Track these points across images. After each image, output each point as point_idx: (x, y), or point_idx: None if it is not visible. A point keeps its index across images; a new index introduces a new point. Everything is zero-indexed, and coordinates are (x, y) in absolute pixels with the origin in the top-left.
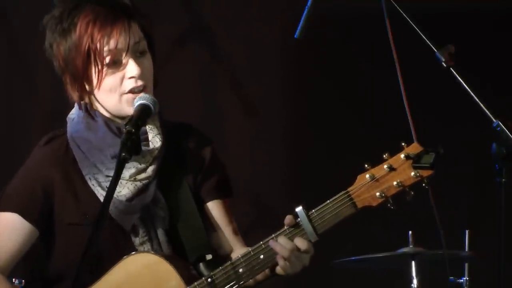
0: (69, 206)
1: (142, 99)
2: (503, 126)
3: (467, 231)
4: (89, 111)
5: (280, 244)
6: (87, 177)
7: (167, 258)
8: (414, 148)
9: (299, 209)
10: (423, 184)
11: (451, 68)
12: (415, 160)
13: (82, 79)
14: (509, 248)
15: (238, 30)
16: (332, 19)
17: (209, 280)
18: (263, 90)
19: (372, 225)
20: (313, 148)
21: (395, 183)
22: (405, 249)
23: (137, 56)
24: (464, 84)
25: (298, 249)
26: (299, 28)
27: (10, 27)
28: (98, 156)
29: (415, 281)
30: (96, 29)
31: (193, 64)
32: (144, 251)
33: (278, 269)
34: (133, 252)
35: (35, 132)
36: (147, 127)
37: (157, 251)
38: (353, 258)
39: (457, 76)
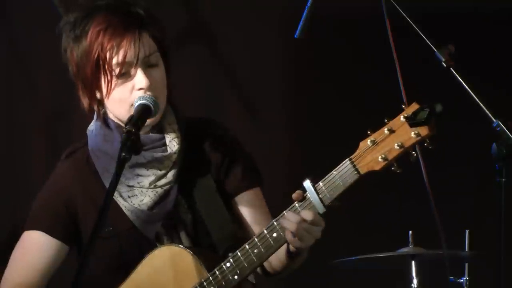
0: (92, 219)
1: (142, 99)
2: (503, 126)
3: (467, 231)
4: (106, 120)
5: (287, 218)
6: None
7: (190, 248)
8: (412, 107)
9: (306, 182)
10: (425, 144)
11: (451, 68)
12: (411, 118)
13: (92, 87)
14: (509, 248)
15: (238, 30)
16: (332, 19)
17: (227, 264)
18: (263, 90)
19: (372, 225)
20: (313, 148)
21: (395, 145)
22: (405, 249)
23: (148, 67)
24: (464, 84)
25: (304, 220)
26: (299, 28)
27: (10, 27)
28: None
29: (415, 281)
30: (106, 39)
31: (193, 64)
32: (168, 244)
33: (291, 247)
34: (158, 247)
35: (36, 132)
36: (165, 133)
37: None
38: (353, 258)
39: (457, 76)
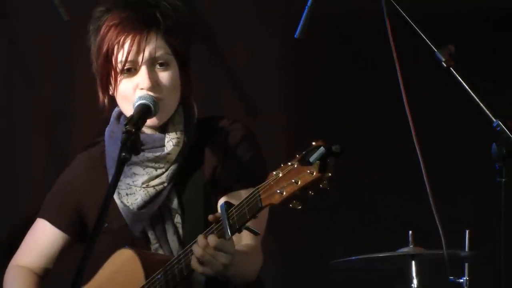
0: (94, 214)
1: (141, 98)
2: (503, 126)
3: (467, 231)
4: (120, 117)
5: (196, 242)
6: None
7: (141, 254)
8: (316, 144)
9: (221, 205)
10: (321, 186)
11: (451, 68)
12: (302, 157)
13: (102, 80)
14: (509, 248)
15: (238, 30)
16: (332, 19)
17: (158, 276)
18: (263, 90)
19: (372, 225)
20: None
21: (293, 180)
22: (405, 249)
23: (156, 67)
24: (464, 84)
25: (209, 246)
26: (299, 28)
27: (10, 27)
28: None
29: (415, 281)
30: (115, 34)
31: (192, 64)
32: (126, 248)
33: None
34: (119, 250)
35: (36, 132)
36: (166, 133)
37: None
38: (353, 258)
39: (457, 76)
